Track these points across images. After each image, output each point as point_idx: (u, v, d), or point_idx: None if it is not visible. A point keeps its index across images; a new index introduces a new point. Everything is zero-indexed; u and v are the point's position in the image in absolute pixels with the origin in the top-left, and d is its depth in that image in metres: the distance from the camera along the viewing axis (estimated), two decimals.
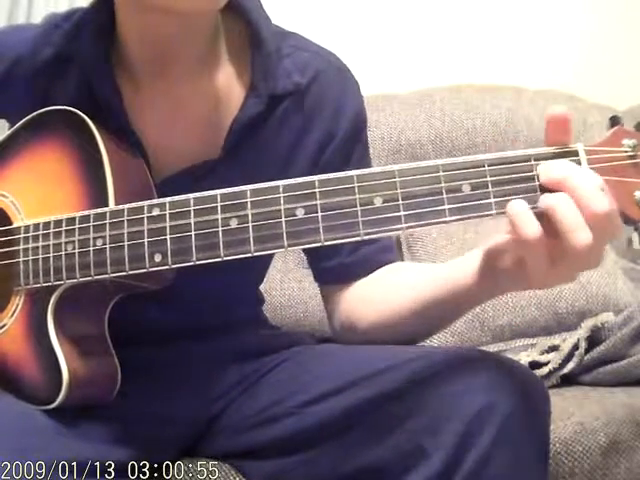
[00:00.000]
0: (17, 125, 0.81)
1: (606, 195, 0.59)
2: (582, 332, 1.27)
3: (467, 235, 1.51)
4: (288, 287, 1.51)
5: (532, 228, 0.60)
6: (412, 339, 0.84)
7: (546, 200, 0.60)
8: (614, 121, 0.62)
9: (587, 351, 1.26)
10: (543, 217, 0.60)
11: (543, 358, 1.26)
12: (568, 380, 1.25)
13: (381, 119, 1.70)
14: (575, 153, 0.60)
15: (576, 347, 1.26)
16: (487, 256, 0.70)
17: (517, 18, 1.99)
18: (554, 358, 1.25)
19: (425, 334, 0.86)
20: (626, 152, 0.61)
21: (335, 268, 0.88)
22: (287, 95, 0.84)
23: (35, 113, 0.79)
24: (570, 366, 1.24)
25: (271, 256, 0.97)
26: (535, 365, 1.25)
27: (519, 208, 0.60)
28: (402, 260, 1.56)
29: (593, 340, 1.27)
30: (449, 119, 1.71)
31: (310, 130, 0.86)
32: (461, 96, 1.76)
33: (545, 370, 1.23)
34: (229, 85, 0.84)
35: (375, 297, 0.85)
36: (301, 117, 0.85)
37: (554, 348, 1.28)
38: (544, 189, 0.60)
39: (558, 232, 0.59)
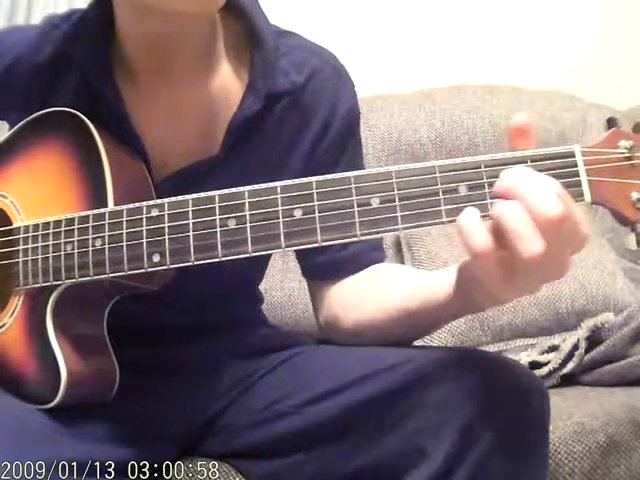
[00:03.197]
0: (17, 126, 0.81)
1: (563, 200, 0.56)
2: (582, 332, 1.27)
3: None
4: (288, 287, 1.51)
5: (479, 239, 0.57)
6: (393, 343, 0.82)
7: (495, 208, 0.57)
8: (611, 123, 0.62)
9: (587, 351, 1.26)
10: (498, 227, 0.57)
11: (543, 358, 1.27)
12: (568, 380, 1.26)
13: (381, 119, 1.71)
14: (572, 154, 0.60)
15: (576, 347, 1.26)
16: (461, 271, 0.68)
17: (517, 18, 1.99)
18: (554, 358, 1.26)
19: (406, 340, 0.83)
20: (623, 153, 0.60)
21: (324, 264, 0.87)
22: (285, 94, 0.84)
23: (35, 114, 0.79)
24: (570, 366, 1.25)
25: (269, 255, 0.97)
26: (535, 365, 1.25)
27: (466, 218, 0.58)
28: (402, 260, 1.57)
29: (593, 340, 1.27)
30: (449, 119, 1.71)
31: (307, 127, 0.86)
32: (461, 96, 1.76)
33: (545, 370, 1.24)
34: (228, 83, 0.84)
35: (360, 299, 0.84)
36: (298, 115, 0.86)
37: (554, 348, 1.28)
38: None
39: (506, 242, 0.56)
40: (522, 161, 0.60)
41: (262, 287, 1.04)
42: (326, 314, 0.90)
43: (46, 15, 0.90)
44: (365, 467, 0.72)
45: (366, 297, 0.84)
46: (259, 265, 0.97)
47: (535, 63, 1.97)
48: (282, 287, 1.52)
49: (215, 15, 0.83)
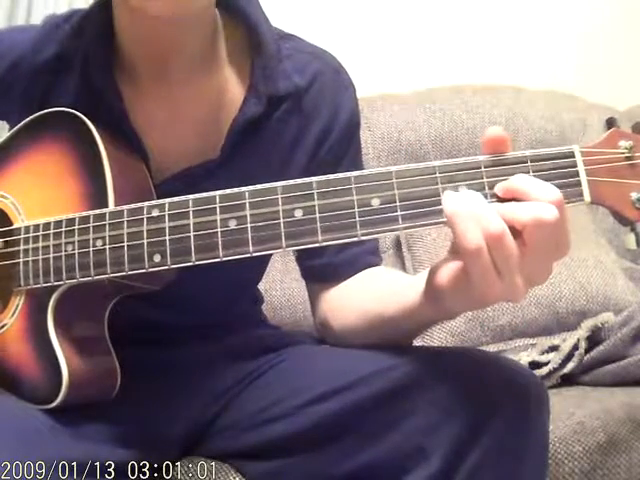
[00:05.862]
0: (17, 126, 0.81)
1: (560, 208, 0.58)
2: (582, 332, 1.27)
3: None
4: (288, 287, 1.51)
5: (498, 222, 0.57)
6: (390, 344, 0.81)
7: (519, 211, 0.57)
8: (610, 123, 0.62)
9: (587, 351, 1.26)
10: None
11: (543, 358, 1.27)
12: (568, 380, 1.26)
13: (381, 119, 1.71)
14: (571, 154, 0.60)
15: (576, 347, 1.26)
16: (430, 275, 0.67)
17: (517, 18, 1.99)
18: (554, 358, 1.26)
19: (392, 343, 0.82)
20: (622, 153, 0.61)
21: (321, 267, 0.88)
22: (287, 96, 0.84)
23: (35, 115, 0.79)
24: (570, 366, 1.25)
25: (270, 255, 0.97)
26: (535, 365, 1.25)
27: (476, 202, 0.58)
28: (402, 260, 1.57)
29: (593, 340, 1.27)
30: (449, 119, 1.71)
31: (308, 130, 0.86)
32: (461, 96, 1.76)
33: (545, 370, 1.24)
34: (229, 86, 0.84)
35: (345, 302, 0.85)
36: (300, 118, 0.86)
37: (554, 348, 1.28)
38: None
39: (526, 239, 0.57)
40: (522, 161, 0.60)
41: (262, 287, 1.04)
42: (320, 316, 0.90)
43: (47, 15, 0.90)
44: (365, 467, 0.72)
45: (350, 301, 0.84)
46: (259, 265, 0.97)
47: (535, 63, 1.97)
48: (282, 287, 1.52)
49: (215, 18, 0.83)
